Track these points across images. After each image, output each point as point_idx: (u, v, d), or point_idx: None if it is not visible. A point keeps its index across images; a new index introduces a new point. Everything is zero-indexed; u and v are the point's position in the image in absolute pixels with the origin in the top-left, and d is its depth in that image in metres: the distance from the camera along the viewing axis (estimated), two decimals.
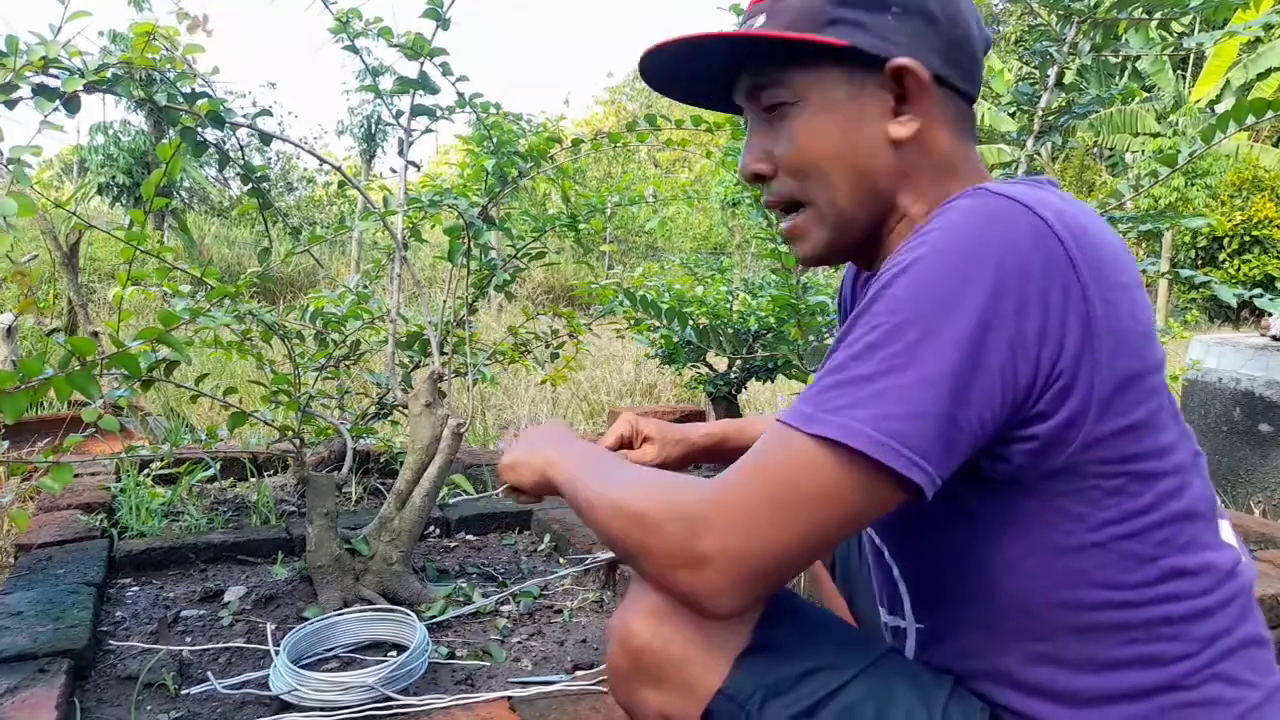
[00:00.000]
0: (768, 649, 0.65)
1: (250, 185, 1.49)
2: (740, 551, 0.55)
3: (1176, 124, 11.61)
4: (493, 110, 1.61)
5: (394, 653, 1.30)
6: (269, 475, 2.21)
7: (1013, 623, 0.63)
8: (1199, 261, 10.59)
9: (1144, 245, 10.03)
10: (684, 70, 0.71)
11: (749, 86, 0.70)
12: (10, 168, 1.11)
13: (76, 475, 2.05)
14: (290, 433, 1.50)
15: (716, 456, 1.00)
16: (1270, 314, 2.59)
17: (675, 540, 0.58)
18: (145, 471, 2.03)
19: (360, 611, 1.36)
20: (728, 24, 1.70)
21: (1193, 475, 0.62)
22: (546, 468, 0.78)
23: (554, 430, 0.84)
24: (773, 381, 2.72)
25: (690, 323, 2.30)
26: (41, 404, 2.86)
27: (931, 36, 0.65)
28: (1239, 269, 10.13)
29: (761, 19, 0.67)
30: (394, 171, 1.62)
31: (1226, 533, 0.66)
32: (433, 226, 1.74)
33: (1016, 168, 1.94)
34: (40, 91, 1.18)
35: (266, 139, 1.46)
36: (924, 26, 0.65)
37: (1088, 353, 0.56)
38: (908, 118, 0.65)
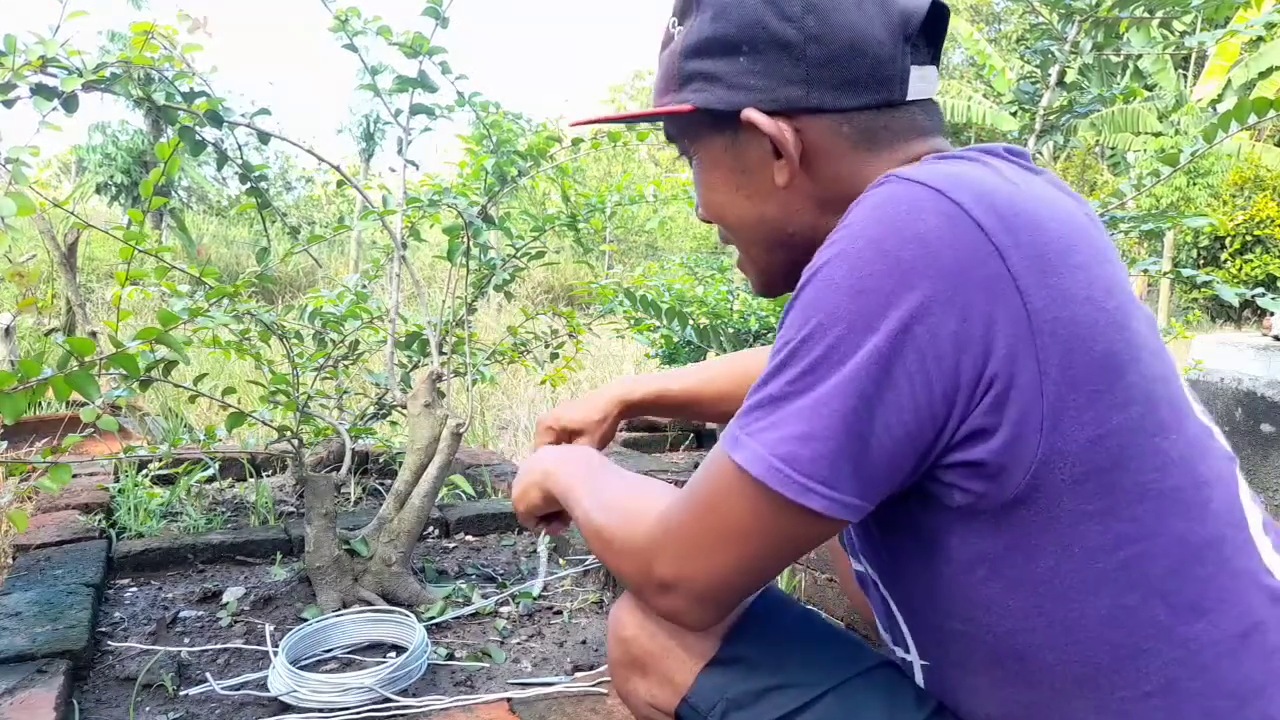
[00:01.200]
0: (734, 662, 0.64)
1: (249, 184, 1.49)
2: (692, 579, 0.57)
3: (1178, 123, 11.60)
4: (492, 109, 1.60)
5: (393, 654, 1.30)
6: (267, 476, 2.21)
7: (1004, 668, 0.56)
8: (1201, 261, 10.59)
9: (1146, 245, 10.02)
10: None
11: (667, 136, 0.69)
12: (9, 168, 1.11)
13: (75, 475, 2.05)
14: (289, 433, 1.49)
15: (681, 413, 0.98)
16: (1272, 314, 2.59)
17: (636, 568, 0.60)
18: (144, 472, 2.02)
19: (359, 612, 1.36)
20: None
21: (1214, 489, 0.53)
22: (544, 480, 0.79)
23: (551, 448, 0.85)
24: None
25: (690, 323, 2.30)
26: (40, 404, 2.86)
27: (791, 66, 0.58)
28: (1241, 269, 10.12)
29: (657, 68, 0.67)
30: (393, 170, 1.61)
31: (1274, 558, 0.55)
32: (432, 226, 1.74)
33: None
34: (39, 91, 1.18)
35: (265, 138, 1.46)
36: (780, 58, 0.58)
37: (1026, 354, 0.48)
38: (783, 162, 0.60)
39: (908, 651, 0.65)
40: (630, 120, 0.69)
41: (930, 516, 0.55)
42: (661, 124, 0.69)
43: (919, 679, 0.65)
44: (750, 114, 0.59)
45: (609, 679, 1.20)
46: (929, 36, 0.61)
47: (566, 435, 0.94)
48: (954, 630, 0.58)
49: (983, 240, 0.49)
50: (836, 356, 0.50)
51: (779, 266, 0.67)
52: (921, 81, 0.61)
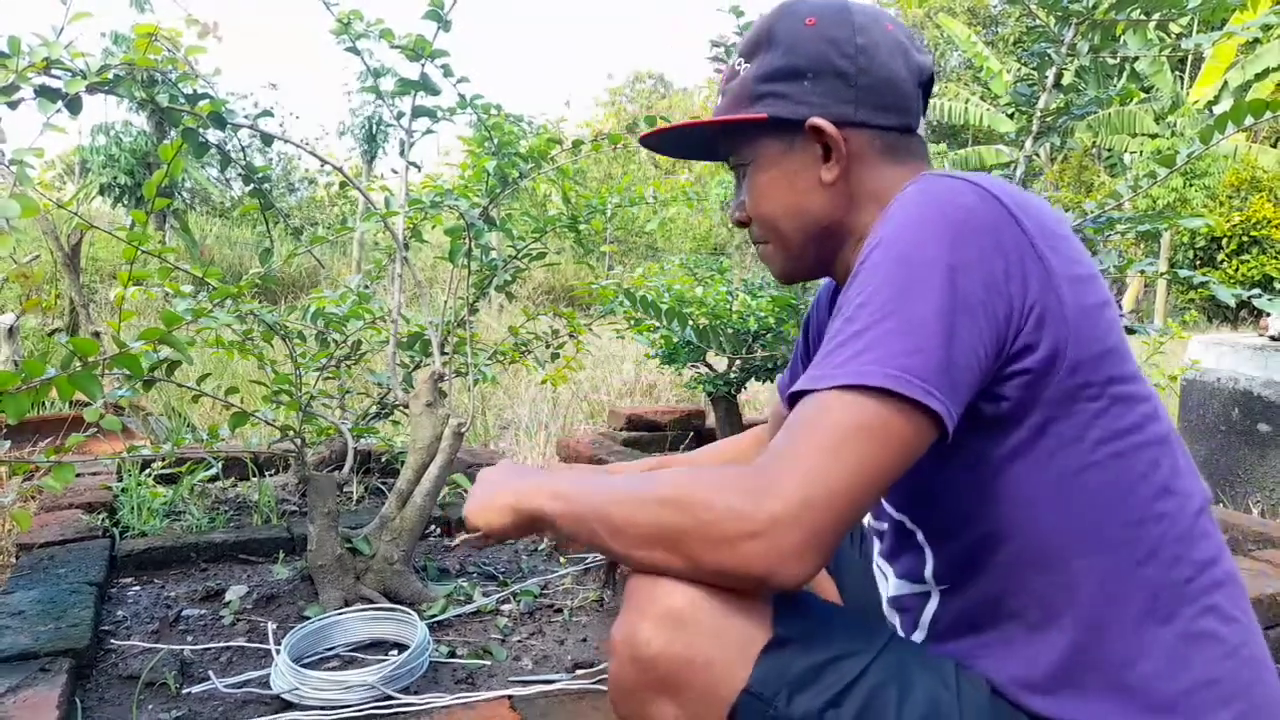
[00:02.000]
0: (788, 643, 0.64)
1: (252, 186, 1.50)
2: (806, 503, 0.57)
3: (1175, 125, 11.62)
4: (494, 111, 1.61)
5: (395, 652, 1.30)
6: (270, 475, 2.22)
7: (1029, 557, 0.66)
8: (1197, 262, 10.61)
9: (1142, 246, 10.04)
10: (677, 142, 0.89)
11: (722, 152, 0.86)
12: (12, 169, 1.12)
13: (78, 475, 2.05)
14: (291, 432, 1.50)
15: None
16: (1268, 314, 2.60)
17: (736, 513, 0.58)
18: (146, 471, 2.03)
19: (361, 611, 1.37)
20: (727, 26, 1.71)
21: (1154, 400, 0.69)
22: (519, 501, 0.75)
23: (508, 468, 0.83)
24: (772, 381, 2.72)
25: (690, 323, 2.31)
26: (43, 404, 2.86)
27: (844, 90, 0.77)
28: (1237, 269, 10.14)
29: (720, 100, 0.84)
30: (395, 172, 1.62)
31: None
32: (433, 227, 1.74)
33: (1015, 168, 1.94)
34: (43, 93, 1.19)
35: (268, 140, 1.46)
36: (837, 83, 0.77)
37: (1049, 288, 0.64)
38: (833, 163, 0.77)
39: (924, 583, 0.74)
40: (707, 125, 0.83)
41: (971, 431, 0.65)
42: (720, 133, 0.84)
43: (930, 609, 0.74)
44: (816, 120, 0.77)
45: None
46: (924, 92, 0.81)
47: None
48: (986, 537, 0.68)
49: (1004, 211, 0.65)
50: (919, 291, 0.62)
51: (809, 255, 0.82)
52: (921, 121, 0.80)
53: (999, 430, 0.66)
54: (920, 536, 0.74)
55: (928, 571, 0.74)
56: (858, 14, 0.79)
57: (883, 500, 0.77)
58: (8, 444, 1.21)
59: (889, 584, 0.80)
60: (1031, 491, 0.66)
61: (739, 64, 0.82)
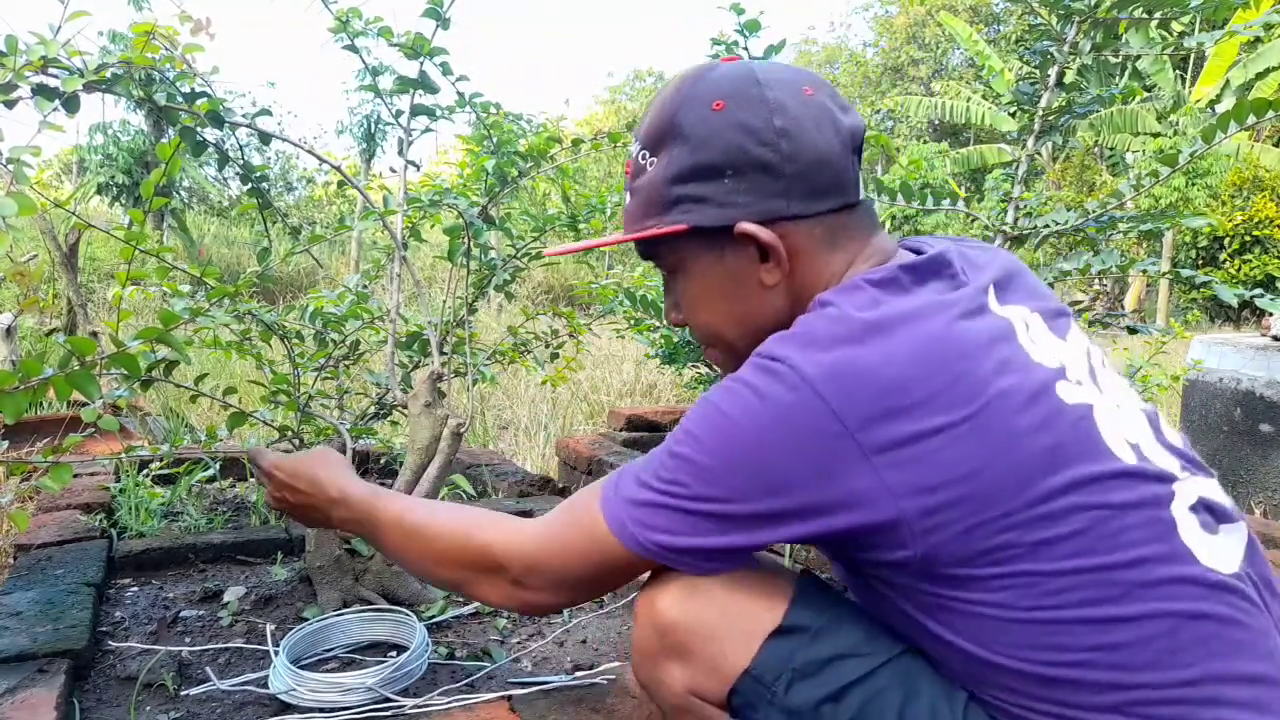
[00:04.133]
0: (797, 631, 0.66)
1: (250, 185, 1.49)
2: (552, 590, 0.74)
3: (1177, 124, 11.60)
4: (493, 110, 1.61)
5: (393, 653, 1.30)
6: None
7: (977, 676, 0.64)
8: (1200, 261, 10.59)
9: (1145, 245, 10.03)
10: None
11: (642, 255, 0.77)
12: (9, 167, 1.11)
13: (76, 475, 2.05)
14: (289, 433, 1.50)
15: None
16: (1271, 314, 2.59)
17: (497, 595, 0.77)
18: (144, 472, 2.02)
19: (360, 612, 1.36)
20: (728, 24, 1.70)
21: (1130, 515, 0.59)
22: (332, 508, 0.88)
23: (328, 458, 0.94)
24: None
25: None
26: (40, 404, 2.86)
27: (772, 184, 0.68)
28: (1240, 269, 10.12)
29: (629, 197, 0.75)
30: (394, 171, 1.62)
31: (1212, 548, 0.61)
32: (432, 226, 1.74)
33: (1017, 167, 1.94)
34: (40, 91, 1.18)
35: (266, 138, 1.46)
36: (762, 177, 0.68)
37: (877, 502, 0.59)
38: (771, 264, 0.70)
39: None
40: (618, 243, 0.77)
41: (871, 571, 0.65)
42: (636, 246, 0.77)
43: None
44: (746, 226, 0.68)
45: (613, 677, 1.20)
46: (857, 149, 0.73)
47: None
48: (927, 648, 0.67)
49: (821, 409, 0.60)
50: (714, 482, 0.63)
51: (749, 351, 0.75)
52: (861, 184, 0.73)
53: (891, 579, 0.64)
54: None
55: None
56: (770, 87, 0.68)
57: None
58: (5, 444, 1.20)
59: None
60: (948, 634, 0.63)
61: (644, 157, 0.72)
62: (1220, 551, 0.62)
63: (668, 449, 0.66)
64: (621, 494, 0.67)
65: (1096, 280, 10.40)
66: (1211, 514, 0.63)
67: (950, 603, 0.62)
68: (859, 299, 0.65)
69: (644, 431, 2.93)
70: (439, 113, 1.55)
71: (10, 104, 1.18)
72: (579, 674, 1.25)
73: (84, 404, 1.18)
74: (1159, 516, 0.60)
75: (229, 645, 1.33)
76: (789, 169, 0.68)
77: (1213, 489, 0.66)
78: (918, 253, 0.72)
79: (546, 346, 2.09)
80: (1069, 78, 1.89)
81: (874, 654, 0.65)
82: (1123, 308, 10.95)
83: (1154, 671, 0.58)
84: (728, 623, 0.66)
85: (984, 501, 0.58)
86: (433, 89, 1.50)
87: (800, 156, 0.68)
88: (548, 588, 0.72)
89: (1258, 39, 10.39)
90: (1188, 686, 0.58)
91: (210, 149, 1.39)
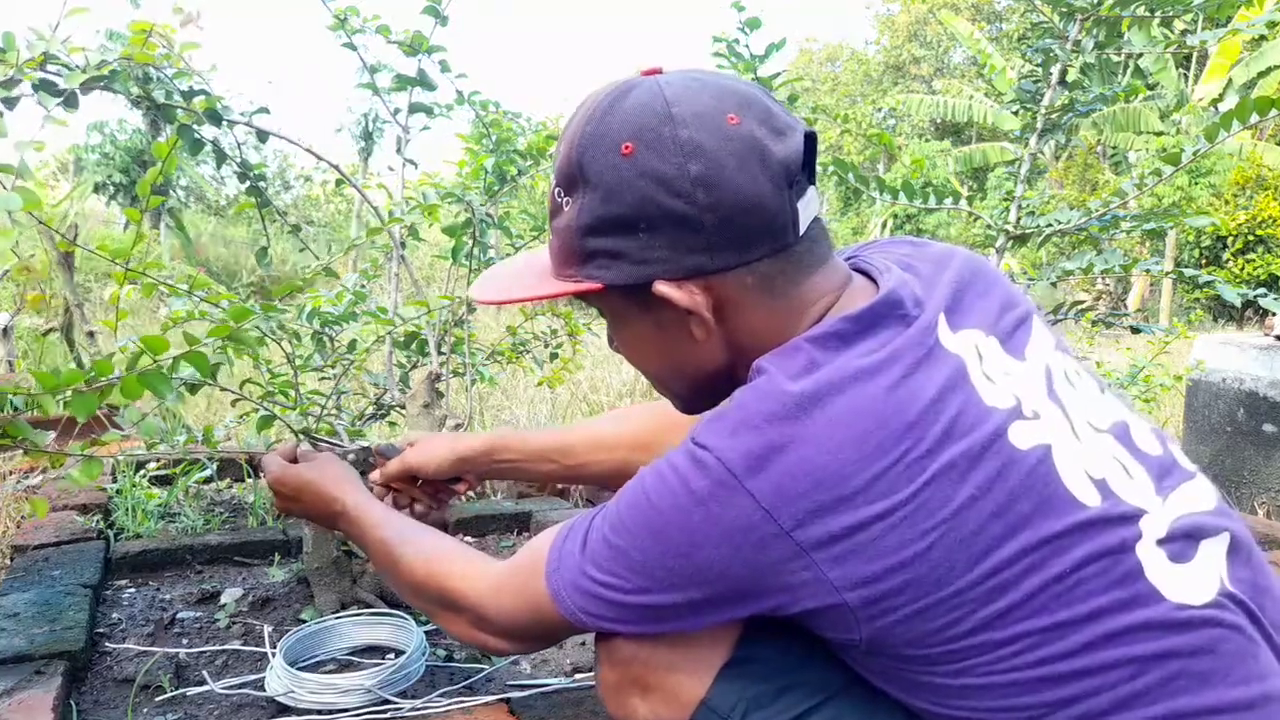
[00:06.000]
0: (750, 662, 0.65)
1: (247, 183, 1.48)
2: (511, 637, 0.78)
3: (1180, 122, 11.59)
4: (491, 108, 1.60)
5: (391, 655, 1.29)
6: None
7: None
8: (1203, 261, 10.57)
9: (1148, 244, 10.01)
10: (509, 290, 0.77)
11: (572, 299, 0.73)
12: (16, 158, 1.10)
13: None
14: (307, 434, 1.48)
15: (527, 473, 1.07)
16: (1275, 314, 2.58)
17: (464, 629, 0.80)
18: (141, 472, 2.02)
19: (357, 614, 1.36)
20: (729, 22, 1.69)
21: (1087, 568, 0.57)
22: (335, 521, 0.92)
23: (330, 468, 0.97)
24: None
25: None
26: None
27: (691, 236, 0.61)
28: (1243, 268, 10.10)
29: (551, 237, 0.69)
30: (391, 170, 1.61)
31: (1182, 580, 0.59)
32: (430, 226, 1.73)
33: (1019, 166, 1.93)
34: (42, 88, 1.17)
35: (264, 136, 1.45)
36: (680, 232, 0.61)
37: (819, 593, 0.58)
38: (697, 321, 0.64)
39: None
40: (540, 300, 0.75)
41: (827, 643, 0.65)
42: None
43: None
44: (660, 288, 0.63)
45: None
46: (805, 161, 0.64)
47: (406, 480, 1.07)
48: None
49: (751, 508, 0.57)
50: (646, 568, 0.62)
51: (703, 398, 0.72)
52: (806, 210, 0.64)
53: (846, 647, 0.64)
54: None
55: None
56: (685, 124, 0.60)
57: None
58: (51, 435, 1.16)
59: None
60: (911, 694, 0.63)
61: (559, 195, 0.66)
62: (1195, 579, 0.59)
63: (603, 534, 0.65)
64: (564, 573, 0.67)
65: (1099, 280, 10.38)
66: (1188, 537, 0.60)
67: (903, 673, 0.61)
68: (794, 365, 0.60)
69: None
70: (437, 110, 1.54)
71: (12, 103, 1.17)
72: (578, 676, 1.24)
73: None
74: (1121, 562, 0.58)
75: (226, 647, 1.32)
76: (709, 220, 0.60)
77: (1193, 498, 0.62)
78: (869, 277, 0.67)
79: (545, 346, 2.09)
80: (1071, 76, 1.88)
81: (830, 682, 0.65)
82: (1126, 307, 10.94)
83: (1116, 715, 0.56)
84: (682, 655, 0.66)
85: (932, 584, 0.56)
86: (431, 86, 1.49)
87: (722, 205, 0.60)
88: (503, 635, 0.75)
89: (1261, 37, 10.36)
90: None
91: (207, 146, 1.38)
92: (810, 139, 0.64)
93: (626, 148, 0.61)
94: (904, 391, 0.58)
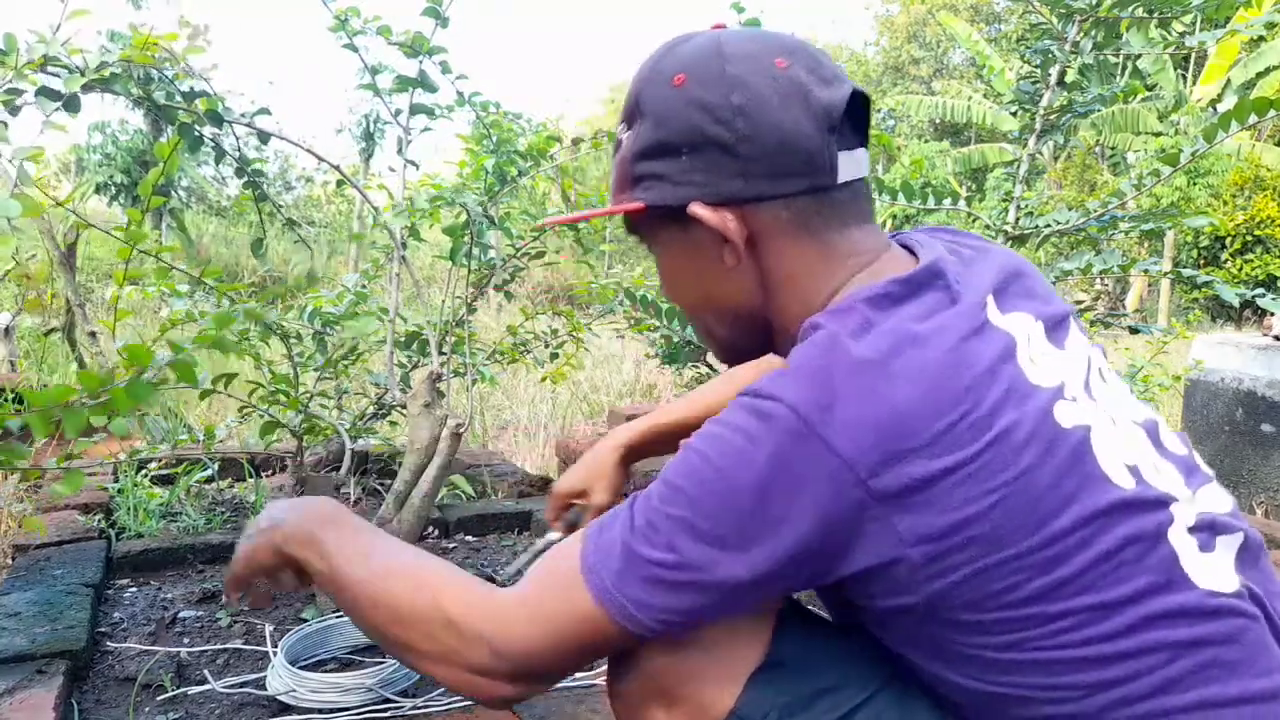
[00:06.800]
0: (781, 666, 0.63)
1: (245, 178, 1.49)
2: (517, 668, 0.65)
3: (1178, 123, 11.60)
4: (492, 109, 1.60)
5: None
6: (266, 476, 2.21)
7: (977, 706, 0.62)
8: (1201, 261, 10.58)
9: (1146, 245, 10.02)
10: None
11: (627, 230, 0.75)
12: (12, 166, 1.10)
13: None
14: (303, 435, 1.49)
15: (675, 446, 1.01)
16: (1273, 314, 2.59)
17: (461, 658, 0.67)
18: (143, 472, 2.02)
19: None
20: (729, 20, 1.69)
21: (1126, 551, 0.57)
22: (285, 543, 0.74)
23: (289, 506, 0.79)
24: None
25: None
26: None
27: (728, 163, 0.64)
28: (1241, 269, 10.11)
29: (613, 170, 0.73)
30: (393, 170, 1.61)
31: (1211, 568, 0.60)
32: (431, 226, 1.73)
33: (1018, 166, 1.93)
34: (42, 93, 1.17)
35: (264, 137, 1.45)
36: (718, 156, 0.64)
37: (885, 549, 0.56)
38: (730, 248, 0.66)
39: None
40: (591, 218, 0.75)
41: (861, 608, 0.63)
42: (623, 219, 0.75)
43: None
44: (694, 208, 0.66)
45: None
46: (855, 122, 0.68)
47: (574, 499, 1.02)
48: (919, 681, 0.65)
49: (824, 455, 0.56)
50: (701, 545, 0.58)
51: (734, 340, 0.73)
52: (851, 164, 0.67)
53: (885, 618, 0.62)
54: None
55: None
56: (734, 61, 0.64)
57: None
58: (33, 447, 1.16)
59: None
60: (941, 671, 0.62)
61: (622, 131, 0.71)
62: (1219, 569, 0.60)
63: (654, 511, 0.60)
64: (608, 567, 0.61)
65: (1098, 280, 10.39)
66: (1210, 529, 0.61)
67: (953, 644, 0.60)
68: (851, 322, 0.61)
69: None
70: (438, 111, 1.55)
71: (14, 110, 1.17)
72: (578, 676, 1.24)
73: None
74: (1157, 547, 0.59)
75: (227, 646, 1.33)
76: (745, 150, 0.64)
77: (1212, 497, 0.64)
78: (910, 250, 0.69)
79: (546, 346, 2.09)
80: (1070, 77, 1.88)
81: (865, 683, 0.63)
82: (1124, 307, 10.94)
83: (1152, 701, 0.57)
84: (710, 662, 0.63)
85: (993, 544, 0.56)
86: (432, 88, 1.50)
87: (759, 135, 0.63)
88: (514, 675, 0.65)
89: (1260, 38, 10.38)
90: (1184, 713, 0.57)
91: (207, 144, 1.39)
92: (862, 97, 0.67)
93: (679, 79, 0.65)
94: (959, 357, 0.59)
